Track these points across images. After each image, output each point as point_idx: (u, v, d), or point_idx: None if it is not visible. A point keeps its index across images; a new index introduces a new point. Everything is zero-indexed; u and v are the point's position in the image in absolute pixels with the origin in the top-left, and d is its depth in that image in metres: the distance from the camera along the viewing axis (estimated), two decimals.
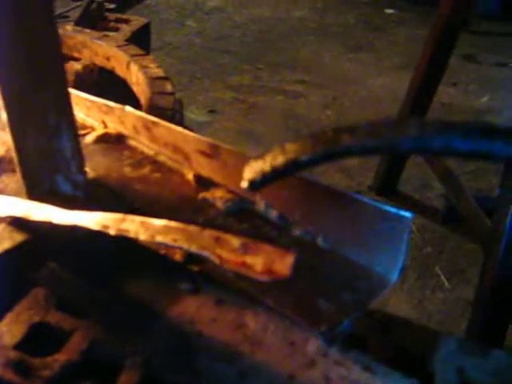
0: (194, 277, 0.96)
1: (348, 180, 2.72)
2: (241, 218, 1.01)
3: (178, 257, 1.00)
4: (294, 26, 4.72)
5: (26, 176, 1.00)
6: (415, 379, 0.84)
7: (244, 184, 0.57)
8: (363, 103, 3.36)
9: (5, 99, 0.95)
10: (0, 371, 0.85)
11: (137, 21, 2.41)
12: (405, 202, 2.70)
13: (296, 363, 0.84)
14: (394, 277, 0.91)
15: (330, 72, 3.84)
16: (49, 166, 0.98)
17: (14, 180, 1.34)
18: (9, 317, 0.93)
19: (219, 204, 1.02)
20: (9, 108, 0.95)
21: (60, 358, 0.87)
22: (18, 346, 0.88)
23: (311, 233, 0.94)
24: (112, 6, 2.63)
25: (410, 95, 2.73)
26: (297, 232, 0.96)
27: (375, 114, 3.17)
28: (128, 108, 1.17)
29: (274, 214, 0.98)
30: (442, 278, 2.33)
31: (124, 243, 0.98)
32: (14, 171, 1.37)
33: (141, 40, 2.30)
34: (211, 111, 3.03)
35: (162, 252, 1.01)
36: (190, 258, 0.99)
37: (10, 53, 0.91)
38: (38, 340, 0.91)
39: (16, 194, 1.11)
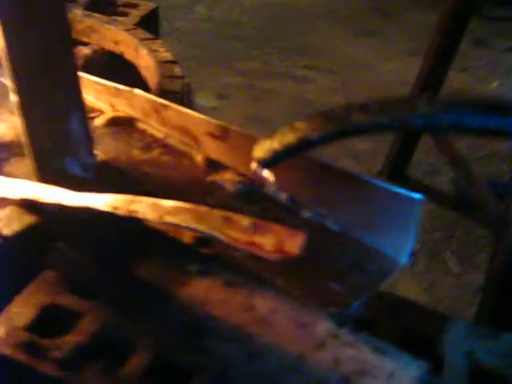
0: (203, 259, 0.97)
1: (357, 165, 2.72)
2: (250, 200, 1.01)
3: (186, 239, 1.00)
4: (303, 11, 4.71)
5: (35, 158, 1.01)
6: (424, 361, 0.84)
7: (253, 165, 0.57)
8: (373, 88, 3.35)
9: (14, 82, 0.96)
10: (10, 352, 0.86)
11: (145, 5, 2.40)
12: (415, 187, 2.69)
13: (305, 345, 0.84)
14: (404, 259, 0.91)
15: (339, 57, 3.84)
16: (58, 147, 0.98)
17: (24, 164, 1.35)
18: (19, 299, 0.94)
19: (229, 186, 1.02)
20: (18, 90, 0.95)
21: (70, 339, 0.87)
22: (28, 328, 0.89)
23: (321, 215, 0.94)
24: None
25: (419, 81, 2.72)
26: (307, 214, 0.95)
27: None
28: (137, 91, 1.17)
29: (283, 195, 0.98)
30: (452, 262, 2.33)
31: (133, 226, 0.99)
32: (23, 155, 1.38)
33: (149, 25, 2.29)
34: (220, 96, 3.04)
35: (171, 235, 1.01)
36: (199, 240, 1.00)
37: (20, 36, 0.91)
38: (49, 322, 0.92)
39: (25, 177, 1.11)
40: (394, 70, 3.64)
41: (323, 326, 0.86)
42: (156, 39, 1.72)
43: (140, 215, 0.78)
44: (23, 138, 1.02)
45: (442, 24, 2.58)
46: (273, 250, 0.65)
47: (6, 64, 0.96)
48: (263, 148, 0.57)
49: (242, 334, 0.86)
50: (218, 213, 0.71)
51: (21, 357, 0.86)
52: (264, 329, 0.86)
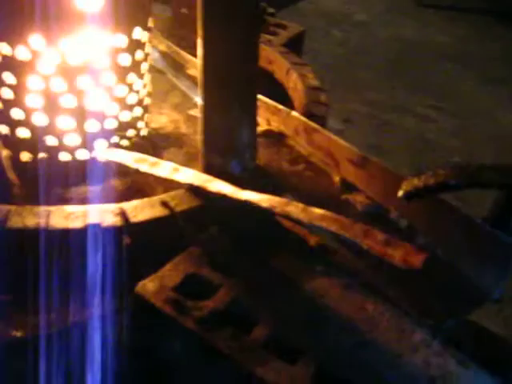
0: (327, 262, 1.16)
1: (465, 208, 2.82)
2: (375, 221, 1.19)
3: (312, 243, 1.19)
4: (434, 51, 4.79)
5: (206, 154, 1.22)
6: (499, 378, 1.00)
7: (400, 193, 0.75)
8: (492, 137, 3.40)
9: (202, 90, 1.18)
10: (161, 305, 1.07)
11: (294, 28, 2.62)
12: None
13: (403, 346, 1.02)
14: (495, 295, 1.07)
15: (463, 101, 3.89)
16: (228, 149, 1.20)
17: (181, 153, 1.58)
18: (169, 265, 1.15)
19: (359, 206, 1.21)
20: (204, 97, 1.17)
21: (208, 304, 1.08)
22: (174, 289, 1.10)
23: (433, 244, 1.12)
24: (272, 10, 2.81)
25: None
26: (421, 240, 1.13)
27: (500, 149, 3.23)
28: (294, 113, 1.38)
29: (403, 222, 1.16)
30: None
31: (273, 223, 1.19)
32: (180, 146, 1.61)
33: (295, 45, 2.50)
34: (346, 121, 3.21)
35: (302, 237, 1.21)
36: (322, 246, 1.19)
37: (214, 51, 1.13)
38: (191, 287, 1.13)
39: (183, 165, 1.33)
40: None
41: (419, 335, 1.04)
42: (306, 65, 1.93)
43: (293, 215, 0.98)
44: (200, 136, 1.23)
45: None
46: (400, 259, 0.83)
47: (199, 74, 1.18)
48: (410, 184, 0.75)
49: (352, 328, 1.04)
50: (359, 225, 0.90)
51: (168, 310, 1.07)
52: (372, 327, 1.04)
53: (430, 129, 3.43)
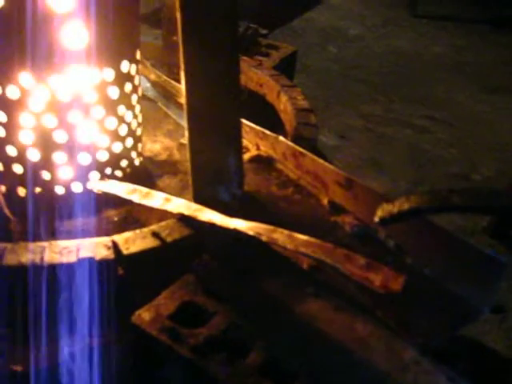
0: (318, 283, 1.18)
1: (465, 220, 2.82)
2: (364, 241, 1.22)
3: (304, 265, 1.22)
4: (430, 62, 4.82)
5: (194, 183, 1.25)
6: None
7: (376, 219, 0.78)
8: (489, 146, 3.41)
9: (188, 122, 1.21)
10: (156, 334, 1.09)
11: (286, 48, 2.65)
12: None
13: (393, 365, 1.03)
14: (485, 310, 1.09)
15: (460, 111, 3.91)
16: (215, 178, 1.23)
17: (175, 181, 1.61)
18: (165, 293, 1.18)
19: (347, 228, 1.23)
20: (190, 129, 1.20)
21: (203, 331, 1.10)
22: (170, 317, 1.13)
23: (420, 263, 1.14)
24: (264, 31, 2.85)
25: None
26: (409, 260, 1.15)
27: (498, 158, 3.25)
28: (281, 138, 1.40)
29: (391, 242, 1.18)
30: None
31: (263, 247, 1.21)
32: (174, 173, 1.64)
33: (288, 66, 2.54)
34: (342, 136, 3.24)
35: (293, 259, 1.23)
36: (314, 268, 1.21)
37: (196, 83, 1.16)
38: (186, 315, 1.15)
39: (176, 193, 1.36)
40: None
41: (409, 353, 1.05)
42: (295, 87, 1.96)
43: (280, 243, 1.00)
44: (189, 167, 1.26)
45: None
46: (381, 285, 0.85)
47: (185, 106, 1.21)
48: (384, 210, 0.78)
49: (343, 349, 1.06)
50: (341, 250, 0.92)
51: (164, 338, 1.09)
52: (362, 347, 1.06)
53: (426, 140, 3.44)
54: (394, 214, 0.76)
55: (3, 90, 1.30)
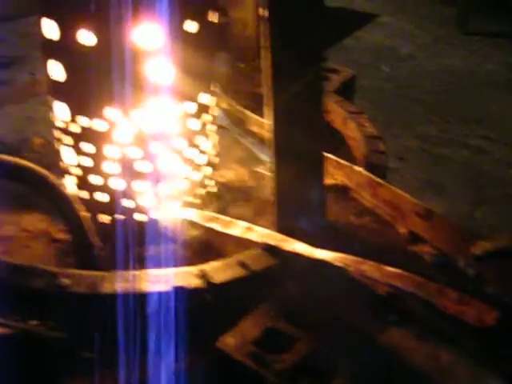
0: (400, 312, 1.20)
1: None
2: (443, 271, 1.24)
3: (382, 293, 1.24)
4: (483, 79, 4.77)
5: (279, 214, 1.29)
6: None
7: (473, 256, 0.81)
8: None
9: (275, 159, 1.25)
10: (242, 358, 1.13)
11: (345, 72, 2.68)
12: None
13: None
14: None
15: None
16: (299, 209, 1.26)
17: (249, 208, 1.65)
18: (247, 319, 1.21)
19: (427, 257, 1.26)
20: (277, 165, 1.24)
21: (288, 357, 1.13)
22: (254, 343, 1.16)
23: (502, 293, 1.15)
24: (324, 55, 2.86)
25: None
26: (490, 290, 1.17)
27: None
28: (356, 167, 1.44)
29: (471, 271, 1.20)
30: None
31: (341, 277, 1.24)
32: (247, 200, 1.68)
33: (347, 89, 2.57)
34: (400, 158, 3.24)
35: (371, 287, 1.25)
36: (393, 296, 1.24)
37: (285, 128, 1.20)
38: (268, 341, 1.18)
39: (249, 220, 1.40)
40: None
41: (494, 382, 1.07)
42: (362, 113, 1.98)
43: (368, 274, 1.04)
44: (273, 198, 1.29)
45: None
46: (475, 318, 0.87)
47: (271, 145, 1.25)
48: (481, 247, 0.81)
49: (427, 377, 1.08)
50: (433, 284, 0.95)
51: (249, 363, 1.12)
52: (446, 377, 1.08)
53: (484, 160, 3.41)
54: (489, 251, 0.79)
55: (91, 122, 1.37)
